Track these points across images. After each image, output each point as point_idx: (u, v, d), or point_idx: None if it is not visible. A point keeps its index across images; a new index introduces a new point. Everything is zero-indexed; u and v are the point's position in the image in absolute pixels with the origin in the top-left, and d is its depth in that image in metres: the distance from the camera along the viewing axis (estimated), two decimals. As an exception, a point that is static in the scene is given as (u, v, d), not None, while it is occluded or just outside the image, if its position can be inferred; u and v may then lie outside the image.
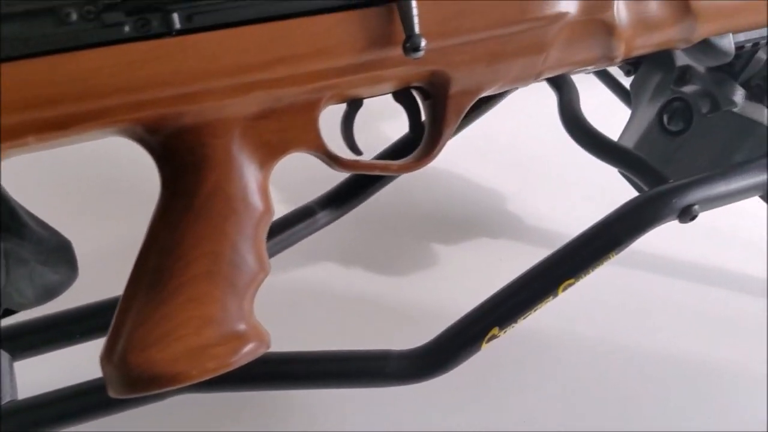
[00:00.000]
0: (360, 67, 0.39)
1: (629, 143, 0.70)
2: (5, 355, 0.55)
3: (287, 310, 0.71)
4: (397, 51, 0.38)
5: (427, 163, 0.44)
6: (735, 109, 0.61)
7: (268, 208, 0.40)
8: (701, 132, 0.63)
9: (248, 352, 0.39)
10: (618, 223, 0.54)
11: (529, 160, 0.87)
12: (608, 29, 0.45)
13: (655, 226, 0.54)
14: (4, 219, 0.44)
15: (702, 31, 0.48)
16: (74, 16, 0.34)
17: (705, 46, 0.50)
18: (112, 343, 0.37)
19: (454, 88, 0.43)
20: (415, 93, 0.44)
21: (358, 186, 0.69)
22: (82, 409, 0.53)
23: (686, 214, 0.54)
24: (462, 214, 0.81)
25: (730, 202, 0.57)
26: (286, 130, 0.40)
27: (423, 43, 0.38)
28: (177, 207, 0.38)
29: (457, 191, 0.84)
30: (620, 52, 0.46)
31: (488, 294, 0.57)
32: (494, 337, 0.55)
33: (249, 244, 0.39)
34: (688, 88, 0.64)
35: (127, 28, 0.34)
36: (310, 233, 0.68)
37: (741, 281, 0.81)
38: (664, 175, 0.58)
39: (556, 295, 0.55)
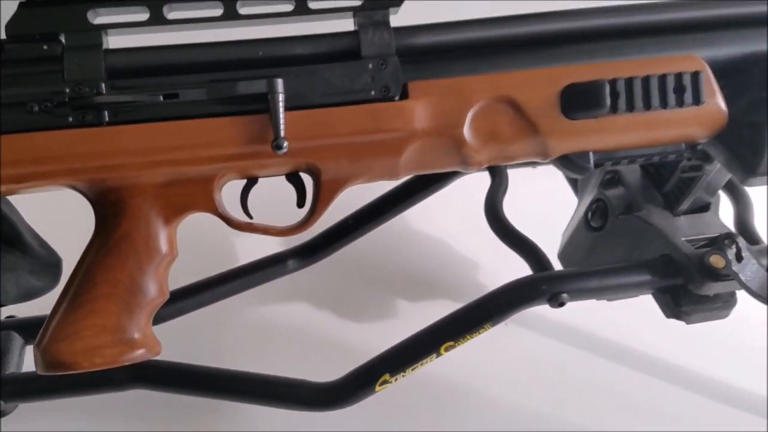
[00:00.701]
0: (243, 156, 0.53)
1: (569, 233, 0.78)
2: (18, 338, 0.72)
3: (258, 338, 0.84)
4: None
5: (301, 231, 0.57)
6: (641, 214, 0.68)
7: (170, 252, 0.54)
8: (614, 230, 0.70)
9: (136, 356, 0.53)
10: (494, 300, 0.63)
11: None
12: (458, 143, 0.54)
13: (525, 307, 0.62)
14: (10, 238, 0.61)
15: (557, 148, 0.56)
16: (36, 108, 0.50)
17: (564, 161, 0.58)
18: (42, 334, 0.53)
19: (325, 177, 0.55)
20: (304, 175, 0.57)
21: (325, 243, 0.82)
22: (63, 385, 0.68)
23: (554, 300, 0.61)
24: (432, 275, 0.91)
25: (607, 297, 0.64)
26: (187, 196, 0.54)
27: (285, 143, 0.51)
28: (98, 242, 0.53)
29: (433, 253, 0.94)
30: (475, 161, 0.56)
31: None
32: (386, 382, 0.65)
33: (148, 277, 0.53)
34: (610, 191, 0.71)
35: (70, 119, 0.50)
36: (279, 276, 0.81)
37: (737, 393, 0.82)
38: (550, 264, 0.66)
39: (439, 354, 0.64)
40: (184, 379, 0.70)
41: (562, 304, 0.62)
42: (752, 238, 0.74)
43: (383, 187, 0.85)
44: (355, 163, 0.54)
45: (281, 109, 0.51)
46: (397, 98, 0.54)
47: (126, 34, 0.54)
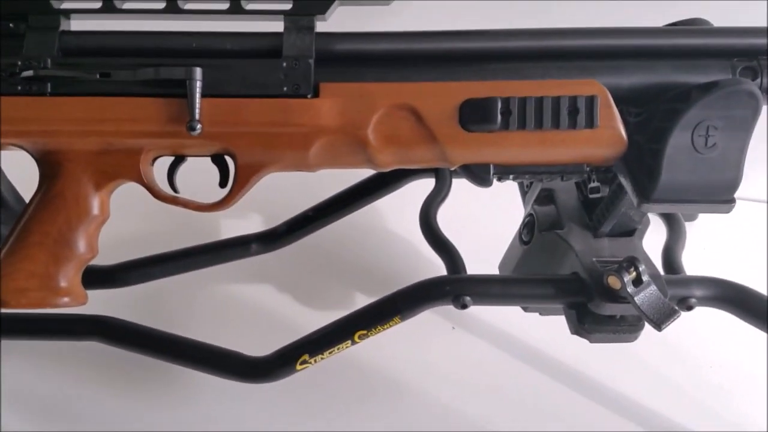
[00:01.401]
0: (164, 134, 0.59)
1: (509, 245, 0.81)
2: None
3: (220, 311, 0.91)
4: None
5: (218, 209, 0.62)
6: (561, 232, 0.70)
7: (100, 214, 0.61)
8: (539, 245, 0.73)
9: (61, 302, 0.60)
10: (403, 296, 0.67)
11: (483, 247, 0.96)
12: (363, 143, 0.59)
13: (431, 305, 0.66)
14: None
15: (456, 158, 0.60)
16: None
17: (466, 171, 0.61)
18: (-14, 274, 0.61)
19: (241, 162, 0.60)
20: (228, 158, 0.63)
21: (287, 231, 0.88)
22: (33, 328, 0.76)
23: (457, 302, 0.65)
24: (394, 275, 0.95)
25: (511, 304, 0.67)
26: (116, 165, 0.61)
27: (198, 126, 0.57)
28: (38, 197, 0.61)
29: (395, 249, 0.98)
30: (379, 161, 0.60)
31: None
32: (306, 362, 0.70)
33: (78, 234, 0.60)
34: (541, 208, 0.74)
35: (20, 87, 0.58)
36: (242, 257, 0.88)
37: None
38: (463, 268, 0.70)
39: (354, 341, 0.69)
40: (134, 337, 0.77)
41: (465, 306, 0.65)
42: (672, 267, 0.74)
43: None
44: (267, 152, 0.60)
45: (197, 95, 0.57)
46: (309, 96, 0.59)
47: (86, 20, 0.62)
